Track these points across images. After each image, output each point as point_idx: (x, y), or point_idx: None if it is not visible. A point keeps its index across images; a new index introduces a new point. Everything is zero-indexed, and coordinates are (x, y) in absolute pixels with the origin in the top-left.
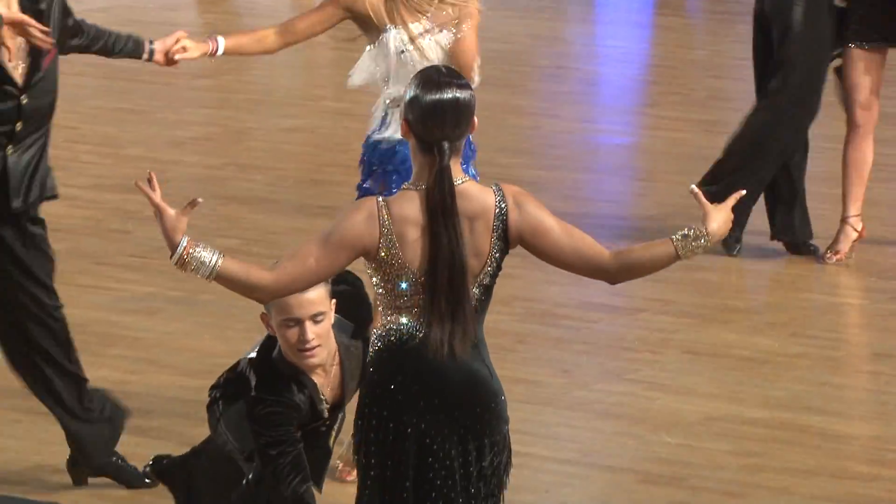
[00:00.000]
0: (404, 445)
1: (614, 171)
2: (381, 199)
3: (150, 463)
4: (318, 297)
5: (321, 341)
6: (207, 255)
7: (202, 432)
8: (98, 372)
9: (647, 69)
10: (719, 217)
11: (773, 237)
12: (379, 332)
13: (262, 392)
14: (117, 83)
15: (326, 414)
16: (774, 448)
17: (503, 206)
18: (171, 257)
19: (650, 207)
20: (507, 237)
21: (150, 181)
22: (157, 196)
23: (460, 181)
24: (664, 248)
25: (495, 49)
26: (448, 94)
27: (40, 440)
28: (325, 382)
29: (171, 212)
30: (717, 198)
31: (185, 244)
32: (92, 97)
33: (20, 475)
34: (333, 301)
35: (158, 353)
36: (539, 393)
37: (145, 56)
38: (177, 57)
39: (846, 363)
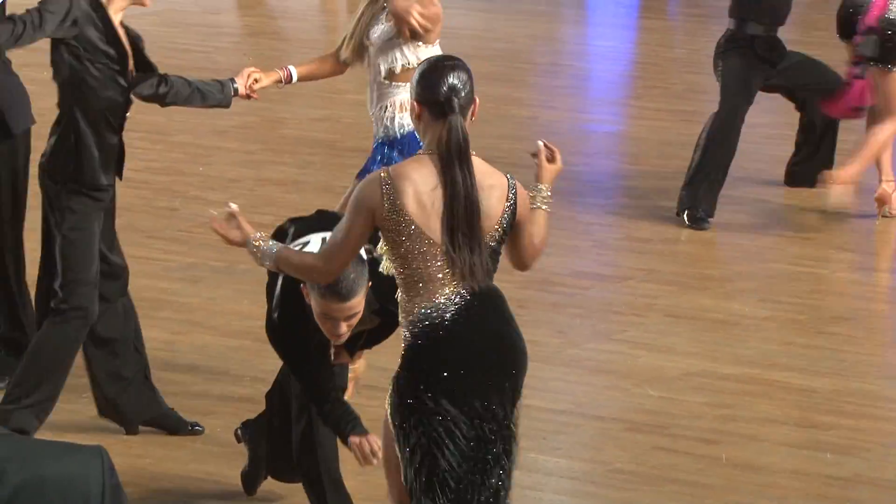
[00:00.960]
0: (451, 429)
1: (604, 155)
2: (385, 168)
3: (240, 428)
4: (356, 302)
5: (348, 331)
6: (271, 246)
7: (241, 386)
8: (149, 333)
9: (633, 65)
10: (546, 172)
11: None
12: (410, 319)
13: (283, 321)
14: None
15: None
16: (745, 400)
17: (515, 186)
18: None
19: (634, 186)
20: (514, 214)
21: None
22: (234, 235)
23: (472, 153)
24: (536, 213)
25: (498, 48)
26: (448, 62)
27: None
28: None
29: (238, 237)
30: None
31: (256, 237)
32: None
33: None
34: (370, 282)
35: (202, 316)
36: (537, 351)
37: (231, 98)
38: (255, 87)
39: (808, 325)
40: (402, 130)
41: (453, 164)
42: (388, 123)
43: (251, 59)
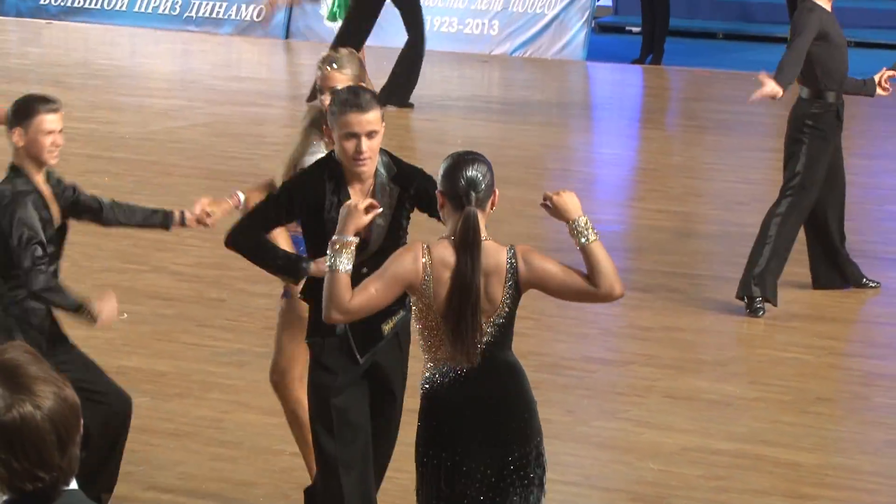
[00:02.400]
0: (462, 472)
1: (609, 251)
2: (425, 245)
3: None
4: (375, 118)
5: (371, 154)
6: (346, 261)
7: (281, 460)
8: (199, 412)
9: (635, 171)
10: (562, 206)
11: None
12: (426, 375)
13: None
14: (216, 183)
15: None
16: (737, 473)
17: (513, 262)
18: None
19: (637, 279)
20: (518, 286)
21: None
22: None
23: (484, 237)
24: (583, 253)
25: (514, 155)
26: (468, 157)
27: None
28: (359, 191)
29: (365, 220)
30: None
31: (348, 240)
32: (195, 193)
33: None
34: (383, 124)
35: (247, 397)
36: (549, 428)
37: (176, 224)
38: (207, 222)
39: (794, 405)
40: None
41: (463, 253)
42: None
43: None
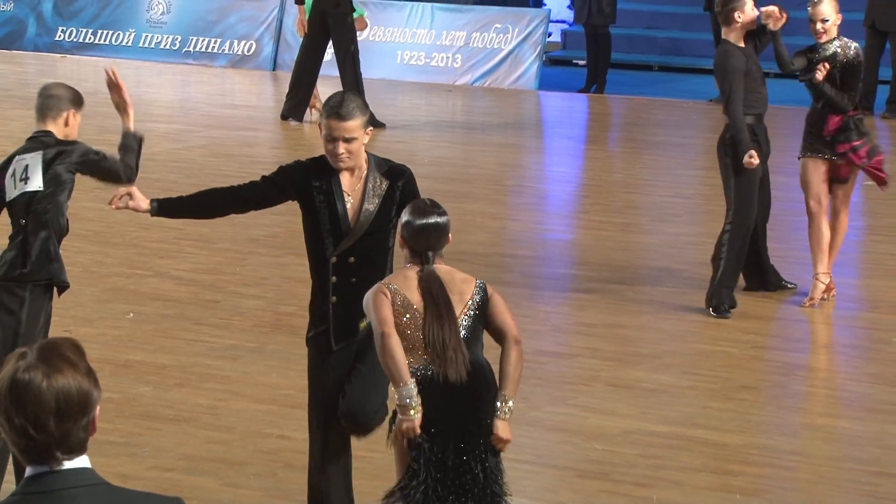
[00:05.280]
0: (443, 456)
1: (558, 258)
2: (391, 285)
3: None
4: (354, 126)
5: (349, 155)
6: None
7: (272, 441)
8: (196, 400)
9: (581, 187)
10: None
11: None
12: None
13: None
14: None
15: (347, 205)
16: (671, 452)
17: (480, 283)
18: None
19: (582, 283)
20: (485, 298)
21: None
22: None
23: (437, 265)
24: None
25: (475, 172)
26: (431, 220)
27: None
28: (350, 183)
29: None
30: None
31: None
32: None
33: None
34: (369, 129)
35: (239, 386)
36: None
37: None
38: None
39: (721, 393)
40: None
41: (430, 306)
42: None
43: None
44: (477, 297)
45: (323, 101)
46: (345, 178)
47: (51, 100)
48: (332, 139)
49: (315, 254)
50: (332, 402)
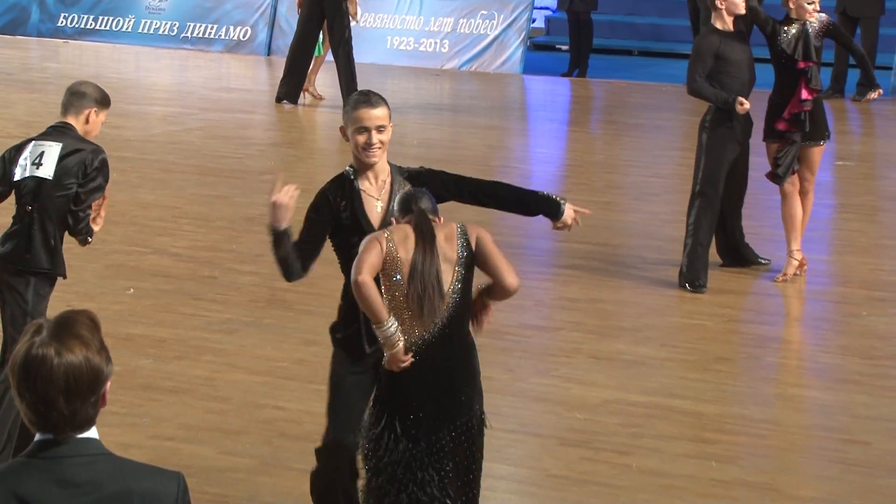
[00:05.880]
0: (414, 427)
1: (542, 235)
2: (386, 232)
3: None
4: (383, 114)
5: (381, 145)
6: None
7: (266, 411)
8: (194, 372)
9: (564, 167)
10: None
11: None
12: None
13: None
14: (208, 178)
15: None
16: (650, 421)
17: (460, 228)
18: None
19: (566, 259)
20: (469, 246)
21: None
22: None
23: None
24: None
25: (462, 154)
26: (408, 192)
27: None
28: (372, 188)
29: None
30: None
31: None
32: (191, 187)
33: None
34: (391, 125)
35: (235, 359)
36: (491, 385)
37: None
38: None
39: (698, 364)
40: None
41: (420, 243)
42: None
43: (274, 164)
44: (463, 255)
45: (316, 85)
46: (367, 185)
47: (75, 96)
48: (363, 130)
49: (343, 253)
50: (357, 410)
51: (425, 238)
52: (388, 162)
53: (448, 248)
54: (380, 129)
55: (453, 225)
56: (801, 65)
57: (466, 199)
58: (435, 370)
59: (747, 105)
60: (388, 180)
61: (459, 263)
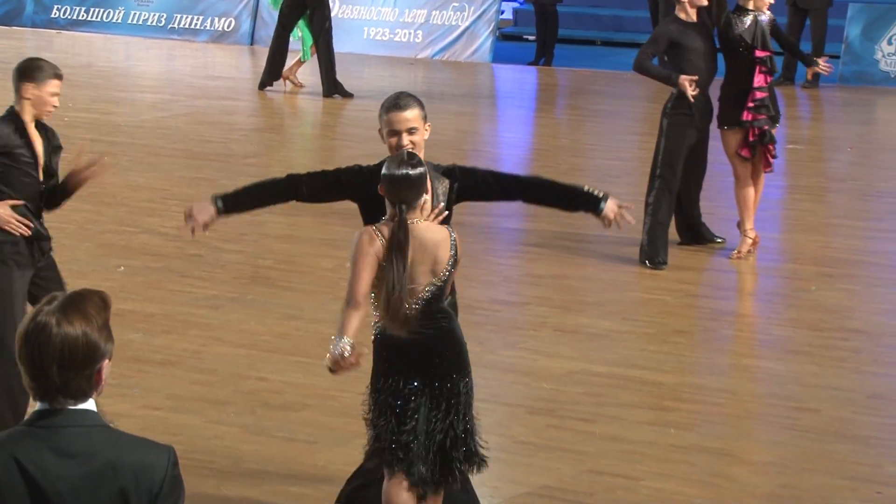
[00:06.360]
0: (404, 393)
1: (510, 216)
2: (374, 227)
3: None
4: (413, 116)
5: (413, 147)
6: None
7: (250, 383)
8: (181, 345)
9: (531, 151)
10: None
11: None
12: (378, 325)
13: None
14: (195, 162)
15: None
16: (612, 391)
17: (454, 236)
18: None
19: (533, 237)
20: (456, 256)
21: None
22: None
23: (417, 221)
24: None
25: (435, 139)
26: (402, 171)
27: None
28: None
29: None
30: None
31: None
32: (178, 170)
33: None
34: (428, 125)
35: (221, 333)
36: None
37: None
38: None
39: (657, 337)
40: None
41: (392, 253)
42: None
43: (255, 148)
44: (450, 262)
45: (297, 74)
46: None
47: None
48: (394, 133)
49: (369, 221)
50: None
51: (394, 249)
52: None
53: (439, 252)
54: (410, 131)
55: (447, 231)
56: (760, 53)
57: (507, 196)
58: (423, 342)
59: (692, 86)
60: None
61: (448, 265)
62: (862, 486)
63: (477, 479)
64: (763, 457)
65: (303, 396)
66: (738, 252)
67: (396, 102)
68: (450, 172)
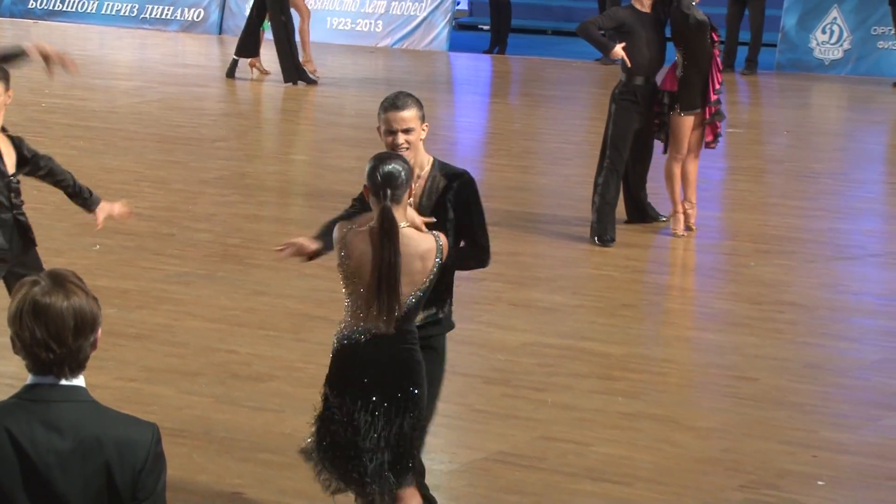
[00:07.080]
0: (354, 406)
1: None
2: (345, 227)
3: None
4: (410, 116)
5: (409, 146)
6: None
7: (220, 355)
8: (155, 320)
9: (486, 135)
10: None
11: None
12: (343, 331)
13: None
14: (166, 145)
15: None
16: (563, 361)
17: (441, 245)
18: None
19: (487, 215)
20: (442, 261)
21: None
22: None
23: (404, 225)
24: None
25: None
26: (388, 166)
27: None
28: (415, 180)
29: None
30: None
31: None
32: (151, 153)
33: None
34: (426, 125)
35: (192, 308)
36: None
37: (91, 210)
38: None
39: (606, 310)
40: None
41: (383, 241)
42: None
43: (224, 132)
44: (434, 269)
45: (263, 61)
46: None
47: None
48: (391, 132)
49: None
50: None
51: (388, 234)
52: (433, 158)
53: (423, 263)
54: (406, 130)
55: (433, 240)
56: (716, 37)
57: (456, 241)
58: (382, 362)
59: (622, 54)
60: (425, 174)
61: (431, 273)
62: (798, 451)
63: (435, 446)
64: (705, 423)
65: (270, 368)
66: (675, 229)
67: (394, 102)
68: (456, 176)
